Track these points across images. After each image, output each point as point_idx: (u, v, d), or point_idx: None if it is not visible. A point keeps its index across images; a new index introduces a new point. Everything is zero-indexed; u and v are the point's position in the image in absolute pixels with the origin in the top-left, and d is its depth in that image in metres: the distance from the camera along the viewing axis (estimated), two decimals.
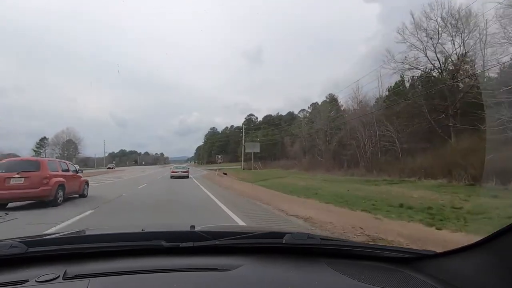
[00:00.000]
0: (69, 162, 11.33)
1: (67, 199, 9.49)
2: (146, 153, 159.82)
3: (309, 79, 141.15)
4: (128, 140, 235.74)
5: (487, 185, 11.97)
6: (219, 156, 56.97)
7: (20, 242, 1.03)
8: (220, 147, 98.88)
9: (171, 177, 25.45)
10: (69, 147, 74.73)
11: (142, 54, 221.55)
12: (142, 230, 1.31)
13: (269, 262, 1.04)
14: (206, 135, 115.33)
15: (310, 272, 0.98)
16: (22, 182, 8.06)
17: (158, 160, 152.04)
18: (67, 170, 10.00)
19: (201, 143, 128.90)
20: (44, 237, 1.22)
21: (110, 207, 8.86)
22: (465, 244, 0.88)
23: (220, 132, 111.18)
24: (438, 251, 0.99)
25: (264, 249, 1.12)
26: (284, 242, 1.09)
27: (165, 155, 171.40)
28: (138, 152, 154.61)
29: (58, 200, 8.71)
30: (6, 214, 7.16)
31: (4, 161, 9.07)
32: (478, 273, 0.81)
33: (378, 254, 1.09)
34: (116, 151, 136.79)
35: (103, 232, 1.44)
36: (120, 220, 6.69)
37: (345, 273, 0.94)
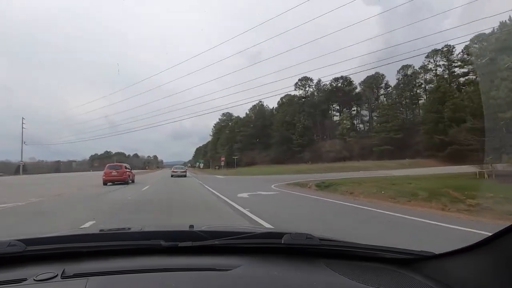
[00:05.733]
0: (128, 165, 22.25)
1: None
2: (136, 155, 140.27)
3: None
4: (120, 142, 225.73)
5: None
6: None
7: (18, 240, 1.03)
8: (252, 137, 63.30)
9: (172, 176, 28.68)
10: None
11: (141, 55, 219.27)
12: (141, 229, 1.35)
13: (268, 262, 1.05)
14: (215, 125, 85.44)
15: (309, 272, 0.98)
16: (116, 174, 19.09)
17: (150, 163, 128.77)
18: (129, 168, 21.00)
19: (199, 146, 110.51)
20: (43, 236, 1.20)
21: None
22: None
23: (242, 117, 72.61)
24: (437, 252, 0.99)
25: (263, 249, 1.13)
26: (283, 242, 1.09)
27: (159, 158, 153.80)
28: (126, 154, 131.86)
29: (129, 182, 19.57)
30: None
31: (108, 164, 20.67)
32: (477, 274, 0.81)
33: (377, 255, 1.10)
34: (100, 152, 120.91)
35: (102, 231, 1.42)
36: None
37: (344, 274, 0.94)
